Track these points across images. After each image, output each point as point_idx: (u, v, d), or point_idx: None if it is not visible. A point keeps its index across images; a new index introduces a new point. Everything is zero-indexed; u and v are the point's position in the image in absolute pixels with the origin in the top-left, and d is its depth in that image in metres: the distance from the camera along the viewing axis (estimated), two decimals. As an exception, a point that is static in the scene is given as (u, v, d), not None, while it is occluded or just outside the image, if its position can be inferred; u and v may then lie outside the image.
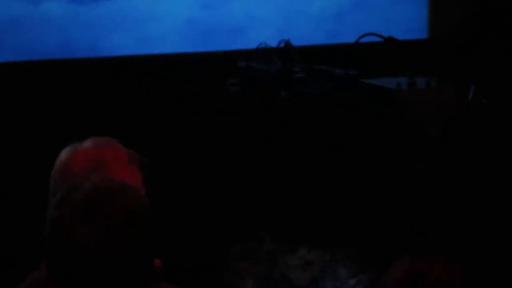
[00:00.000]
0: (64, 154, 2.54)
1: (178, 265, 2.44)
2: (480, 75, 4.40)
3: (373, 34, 4.64)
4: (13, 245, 3.65)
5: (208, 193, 4.14)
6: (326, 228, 3.42)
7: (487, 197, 4.06)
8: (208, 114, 4.37)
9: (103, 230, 2.04)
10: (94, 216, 2.05)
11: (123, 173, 2.48)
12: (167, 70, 4.73)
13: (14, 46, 4.86)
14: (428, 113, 4.11)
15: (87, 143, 2.55)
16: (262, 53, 4.36)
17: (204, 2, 5.05)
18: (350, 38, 4.67)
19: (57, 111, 4.47)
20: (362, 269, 3.50)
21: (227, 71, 4.40)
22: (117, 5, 5.03)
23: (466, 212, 4.05)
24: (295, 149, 3.96)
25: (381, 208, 3.87)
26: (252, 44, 4.56)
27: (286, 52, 4.33)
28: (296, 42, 4.49)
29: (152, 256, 2.12)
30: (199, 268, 2.88)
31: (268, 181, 3.73)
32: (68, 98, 4.56)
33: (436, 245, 2.49)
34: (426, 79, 4.21)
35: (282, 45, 4.36)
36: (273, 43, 4.45)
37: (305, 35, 4.70)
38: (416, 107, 4.11)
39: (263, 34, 4.86)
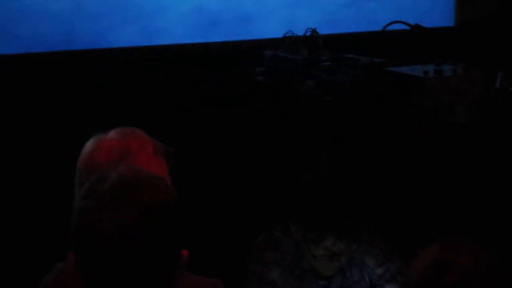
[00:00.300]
0: (89, 145, 2.54)
1: (203, 256, 2.44)
2: (508, 62, 4.37)
3: (400, 22, 4.63)
4: (41, 235, 3.67)
5: (233, 183, 4.15)
6: (352, 218, 3.40)
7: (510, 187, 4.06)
8: (235, 103, 4.38)
9: (128, 220, 2.04)
10: (120, 206, 2.05)
11: (149, 163, 2.49)
12: (194, 60, 4.74)
13: (19, 37, 4.83)
14: (455, 100, 4.10)
15: (112, 134, 2.55)
16: (288, 42, 4.36)
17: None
18: (374, 27, 4.70)
19: (72, 103, 4.47)
20: (389, 258, 3.49)
21: (255, 60, 4.40)
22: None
23: (492, 201, 4.04)
24: (321, 139, 3.96)
25: (407, 197, 3.86)
26: (259, 35, 4.61)
27: (312, 41, 4.33)
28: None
29: (178, 246, 2.12)
30: (225, 258, 2.88)
31: (293, 171, 3.72)
32: (84, 90, 4.56)
33: (462, 234, 2.48)
34: (453, 67, 4.20)
35: (308, 33, 4.36)
36: (281, 33, 4.48)
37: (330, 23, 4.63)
38: (442, 94, 4.09)
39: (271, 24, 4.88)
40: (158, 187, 2.11)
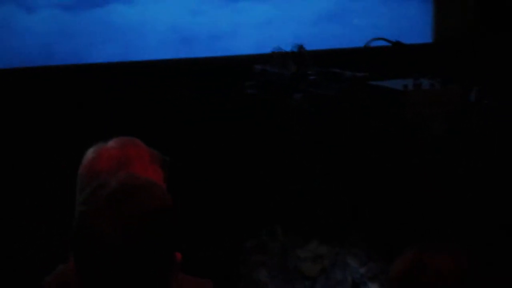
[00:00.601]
0: (90, 153, 2.54)
1: (195, 259, 2.44)
2: (483, 77, 4.39)
3: (381, 38, 4.65)
4: (42, 239, 3.65)
5: (224, 190, 4.15)
6: (336, 222, 3.41)
7: (489, 193, 4.06)
8: (225, 115, 4.37)
9: (126, 224, 2.04)
10: (119, 211, 2.05)
11: (146, 171, 2.49)
12: (183, 74, 4.72)
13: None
14: (432, 113, 4.11)
15: (112, 143, 2.56)
16: (276, 57, 4.36)
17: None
18: (358, 43, 4.70)
19: (71, 116, 4.44)
20: (372, 259, 3.50)
21: (243, 74, 4.39)
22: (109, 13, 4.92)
23: (470, 207, 4.05)
24: (308, 148, 3.96)
25: (388, 202, 3.86)
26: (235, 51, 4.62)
27: (300, 56, 4.33)
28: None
29: (173, 250, 2.11)
30: (216, 261, 2.88)
31: (281, 178, 3.72)
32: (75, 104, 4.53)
33: (441, 238, 2.49)
34: (431, 81, 4.22)
35: (295, 49, 4.36)
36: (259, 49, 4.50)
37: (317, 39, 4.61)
38: (421, 107, 4.11)
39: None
40: (155, 193, 2.11)
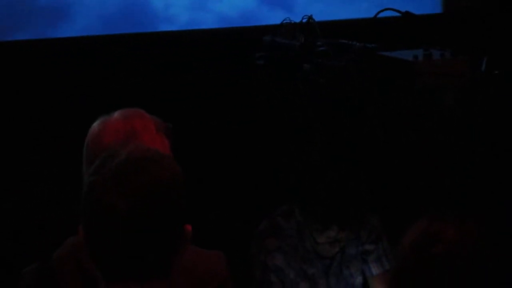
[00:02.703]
0: (95, 126, 2.56)
1: (206, 231, 2.44)
2: (492, 47, 4.39)
3: (391, 9, 4.63)
4: (52, 211, 3.67)
5: (238, 168, 4.16)
6: (356, 211, 3.41)
7: (498, 164, 4.07)
8: (235, 86, 4.39)
9: (136, 196, 2.05)
10: (128, 182, 2.06)
11: (154, 141, 2.51)
12: (192, 45, 4.73)
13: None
14: (443, 83, 4.11)
15: (117, 115, 2.56)
16: (286, 28, 4.36)
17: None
18: (367, 13, 4.70)
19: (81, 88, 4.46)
20: (380, 238, 3.52)
21: (254, 45, 4.40)
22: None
23: (478, 177, 4.05)
24: (319, 118, 3.96)
25: (400, 178, 3.87)
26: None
27: (309, 27, 4.33)
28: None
29: (182, 221, 2.12)
30: (227, 234, 2.89)
31: (294, 154, 3.72)
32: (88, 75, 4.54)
33: (450, 209, 2.49)
34: (441, 51, 4.21)
35: (305, 20, 4.36)
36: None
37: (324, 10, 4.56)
38: (431, 77, 4.11)
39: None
40: (164, 164, 2.11)
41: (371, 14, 4.62)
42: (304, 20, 4.34)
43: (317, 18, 4.36)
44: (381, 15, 4.58)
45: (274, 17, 4.74)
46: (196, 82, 4.52)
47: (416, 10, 4.69)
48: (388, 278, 3.42)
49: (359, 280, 3.49)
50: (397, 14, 4.62)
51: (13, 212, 4.11)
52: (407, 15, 4.59)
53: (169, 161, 2.14)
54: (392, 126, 4.01)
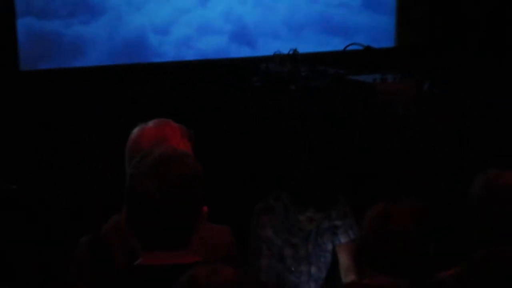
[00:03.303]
0: (135, 132, 2.55)
1: (218, 212, 2.44)
2: (433, 73, 4.38)
3: (356, 44, 4.63)
4: (104, 195, 3.65)
5: (241, 163, 4.14)
6: (328, 195, 3.41)
7: (441, 162, 4.07)
8: (238, 102, 4.37)
9: (166, 184, 2.05)
10: (160, 174, 2.06)
11: (179, 144, 2.49)
12: (205, 72, 4.67)
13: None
14: (395, 100, 4.11)
15: (151, 124, 2.56)
16: (277, 58, 4.35)
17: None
18: (338, 47, 4.68)
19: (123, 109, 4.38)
20: (347, 215, 3.50)
21: (253, 71, 4.38)
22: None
23: (423, 171, 4.06)
24: (302, 126, 3.96)
25: (366, 176, 3.87)
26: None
27: (294, 57, 4.32)
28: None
29: (201, 203, 2.13)
30: (234, 219, 2.87)
31: (283, 153, 3.71)
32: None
33: (401, 195, 2.49)
34: (394, 76, 4.21)
35: (291, 52, 4.36)
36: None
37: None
38: (386, 95, 4.11)
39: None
40: (188, 161, 2.12)
41: (340, 48, 4.64)
42: (291, 52, 4.33)
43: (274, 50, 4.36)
44: (349, 48, 4.58)
45: (241, 52, 4.75)
46: (208, 100, 4.49)
47: (375, 45, 4.69)
48: (351, 246, 3.43)
49: (330, 247, 3.48)
50: (361, 47, 4.62)
51: (78, 195, 4.09)
52: (368, 49, 4.59)
53: (191, 159, 2.15)
54: (358, 132, 4.01)
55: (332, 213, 3.46)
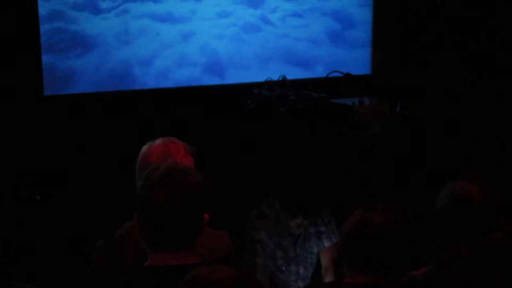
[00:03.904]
0: (144, 149, 2.56)
1: (217, 219, 2.43)
2: (404, 96, 4.40)
3: (336, 71, 4.64)
4: (117, 205, 3.64)
5: (236, 173, 4.13)
6: (315, 204, 3.41)
7: (410, 175, 4.07)
8: (235, 121, 4.36)
9: (171, 193, 2.06)
10: (167, 185, 2.07)
11: (183, 159, 2.49)
12: (207, 96, 4.66)
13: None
14: (371, 120, 4.12)
15: (158, 141, 2.56)
16: (268, 84, 4.36)
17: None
18: (321, 74, 4.68)
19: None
20: (330, 222, 3.50)
21: (247, 95, 4.39)
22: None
23: (397, 181, 4.06)
24: (290, 143, 3.95)
25: (346, 187, 3.86)
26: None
27: (283, 83, 4.33)
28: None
29: (203, 211, 2.13)
30: (231, 225, 2.86)
31: (274, 167, 3.70)
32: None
33: (377, 202, 2.48)
34: (370, 99, 4.22)
35: (280, 78, 4.36)
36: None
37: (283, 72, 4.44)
38: (363, 116, 4.12)
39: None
40: (191, 173, 2.13)
41: (323, 75, 4.65)
42: (280, 79, 4.34)
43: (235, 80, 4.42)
44: (331, 75, 4.59)
45: (211, 81, 4.72)
46: (209, 120, 4.49)
47: (354, 72, 4.70)
48: (334, 249, 3.42)
49: (315, 250, 3.47)
50: (341, 74, 4.63)
51: (93, 204, 4.07)
52: (347, 75, 4.60)
53: (194, 172, 2.15)
54: (339, 147, 4.01)
55: (317, 220, 3.46)
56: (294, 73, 4.76)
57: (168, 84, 4.65)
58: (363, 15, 5.11)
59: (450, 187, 2.52)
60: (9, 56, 4.19)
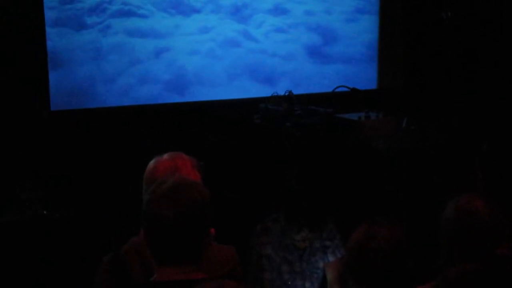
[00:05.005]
0: (151, 163, 2.56)
1: (223, 234, 2.44)
2: (410, 111, 4.40)
3: (343, 86, 4.66)
4: (122, 219, 3.64)
5: (244, 188, 4.13)
6: (321, 218, 3.41)
7: (417, 188, 4.06)
8: (242, 136, 4.36)
9: (178, 207, 2.06)
10: (173, 200, 2.07)
11: (190, 174, 2.50)
12: (214, 111, 4.65)
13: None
14: (377, 135, 4.12)
15: (165, 156, 2.57)
16: (274, 99, 4.37)
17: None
18: (328, 89, 4.67)
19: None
20: (335, 237, 3.49)
21: (254, 110, 4.40)
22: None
23: (405, 197, 4.06)
24: (296, 157, 3.96)
25: (351, 201, 3.86)
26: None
27: (289, 98, 4.34)
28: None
29: (209, 226, 2.13)
30: (237, 240, 2.86)
31: (280, 180, 3.71)
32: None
33: (383, 218, 2.49)
34: (376, 114, 4.23)
35: (287, 93, 4.37)
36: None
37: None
38: (369, 131, 4.12)
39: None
40: (197, 188, 2.14)
41: (329, 89, 4.65)
42: (286, 93, 4.35)
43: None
44: (337, 90, 4.61)
45: (170, 99, 4.58)
46: (216, 135, 4.48)
47: (360, 87, 4.72)
48: (338, 264, 3.41)
49: (321, 264, 3.46)
50: (347, 89, 4.65)
51: (100, 219, 4.06)
52: (354, 90, 4.62)
53: (200, 186, 2.16)
54: (345, 162, 4.01)
55: (322, 234, 3.46)
56: (260, 90, 4.69)
57: (127, 102, 4.51)
58: (348, 30, 5.04)
59: (456, 202, 2.52)
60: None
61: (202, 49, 4.69)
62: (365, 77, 5.11)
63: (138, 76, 4.55)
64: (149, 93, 4.58)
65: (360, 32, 5.10)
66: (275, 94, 4.35)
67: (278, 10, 4.88)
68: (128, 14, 4.55)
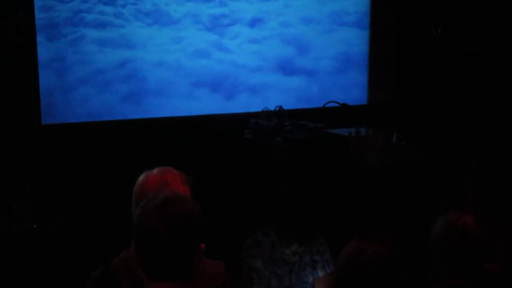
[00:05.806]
0: (141, 178, 2.55)
1: (213, 248, 2.43)
2: (400, 127, 4.42)
3: (333, 101, 4.67)
4: (113, 234, 3.63)
5: (232, 202, 4.13)
6: (310, 231, 3.41)
7: (406, 205, 4.07)
8: (233, 150, 4.36)
9: (168, 221, 2.06)
10: (164, 213, 2.07)
11: (179, 189, 2.49)
12: (208, 125, 4.64)
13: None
14: (367, 150, 4.13)
15: (155, 171, 2.56)
16: (265, 114, 4.37)
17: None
18: (318, 104, 4.68)
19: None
20: (325, 251, 3.49)
21: (244, 125, 4.40)
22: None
23: (394, 212, 4.06)
24: (286, 172, 3.96)
25: (341, 217, 3.86)
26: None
27: (280, 113, 4.35)
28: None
29: (199, 241, 2.13)
30: (226, 251, 2.86)
31: (271, 195, 3.71)
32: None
33: (373, 233, 2.49)
34: (366, 129, 4.23)
35: (277, 109, 4.38)
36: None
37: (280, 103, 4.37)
38: (359, 147, 4.13)
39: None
40: (187, 202, 2.14)
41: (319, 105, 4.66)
42: (277, 109, 4.36)
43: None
44: (327, 105, 4.62)
45: (126, 110, 4.52)
46: (206, 150, 4.48)
47: (350, 102, 4.73)
48: (327, 279, 3.41)
49: (310, 279, 3.46)
50: (337, 105, 4.66)
51: (89, 233, 4.05)
52: (344, 106, 4.63)
53: (190, 201, 2.16)
54: (336, 176, 4.01)
55: (313, 248, 3.46)
56: (220, 103, 4.66)
57: (83, 111, 4.44)
58: (323, 41, 4.99)
59: (446, 217, 2.53)
60: None
61: (169, 59, 4.61)
62: (356, 93, 5.09)
63: (97, 85, 4.45)
64: (106, 104, 4.50)
65: (350, 44, 5.07)
66: (266, 109, 4.36)
67: (257, 22, 4.84)
68: (104, 24, 4.49)
